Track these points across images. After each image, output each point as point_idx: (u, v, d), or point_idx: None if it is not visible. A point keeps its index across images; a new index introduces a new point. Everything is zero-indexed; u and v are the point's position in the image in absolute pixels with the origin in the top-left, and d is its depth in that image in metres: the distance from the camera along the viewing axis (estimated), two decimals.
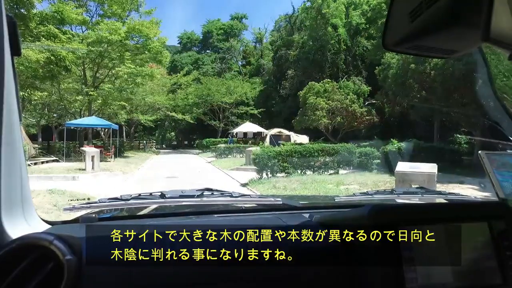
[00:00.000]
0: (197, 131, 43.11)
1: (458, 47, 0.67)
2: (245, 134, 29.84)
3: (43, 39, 13.20)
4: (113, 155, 17.39)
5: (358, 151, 11.66)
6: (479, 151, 1.39)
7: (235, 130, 29.82)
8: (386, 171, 11.81)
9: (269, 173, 10.74)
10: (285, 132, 29.43)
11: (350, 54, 33.48)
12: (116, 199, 1.44)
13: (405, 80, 14.52)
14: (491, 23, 0.48)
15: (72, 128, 17.35)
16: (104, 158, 16.82)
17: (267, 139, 28.44)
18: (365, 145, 13.33)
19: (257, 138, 29.70)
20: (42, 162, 14.44)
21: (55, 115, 24.88)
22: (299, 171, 11.07)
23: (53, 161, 15.56)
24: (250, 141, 28.39)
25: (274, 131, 29.36)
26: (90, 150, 12.48)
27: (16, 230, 0.90)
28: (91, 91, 18.14)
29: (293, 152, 10.70)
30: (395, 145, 12.14)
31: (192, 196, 1.49)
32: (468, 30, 0.58)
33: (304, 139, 28.75)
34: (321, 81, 24.24)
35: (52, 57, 12.88)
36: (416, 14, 0.63)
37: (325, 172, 11.29)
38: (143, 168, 16.26)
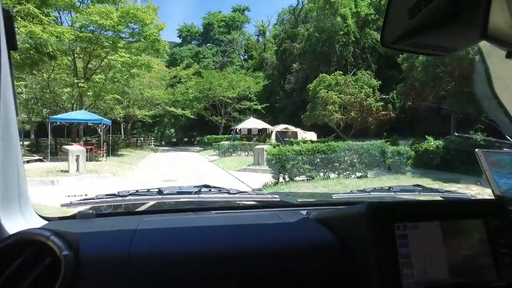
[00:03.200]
0: (197, 128, 41.48)
1: (456, 44, 0.67)
2: (249, 130, 27.99)
3: (20, 20, 11.33)
4: (105, 154, 15.56)
5: (390, 150, 9.86)
6: (476, 149, 1.39)
7: (239, 126, 27.95)
8: (423, 174, 10.05)
9: (286, 176, 8.96)
10: (292, 128, 27.65)
11: (359, 46, 31.67)
12: (113, 195, 1.44)
13: (436, 69, 12.73)
14: (489, 21, 0.48)
15: (58, 123, 15.52)
16: (95, 157, 15.05)
17: (273, 135, 26.69)
18: (382, 142, 11.56)
19: (262, 134, 27.88)
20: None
21: (46, 110, 22.96)
22: (321, 174, 9.30)
23: (36, 160, 13.79)
24: (254, 138, 26.57)
25: (280, 127, 27.56)
26: (74, 149, 10.69)
27: (13, 225, 0.90)
28: (81, 82, 16.31)
29: (316, 151, 8.91)
30: (432, 143, 10.36)
31: (190, 193, 1.49)
32: (466, 28, 0.57)
33: (311, 135, 27.06)
34: (333, 73, 22.36)
35: (30, 40, 11.01)
36: (415, 12, 0.61)
37: (352, 175, 9.51)
38: (138, 168, 14.48)
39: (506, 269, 0.91)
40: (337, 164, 9.41)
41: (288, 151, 8.71)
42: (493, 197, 1.33)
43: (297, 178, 9.05)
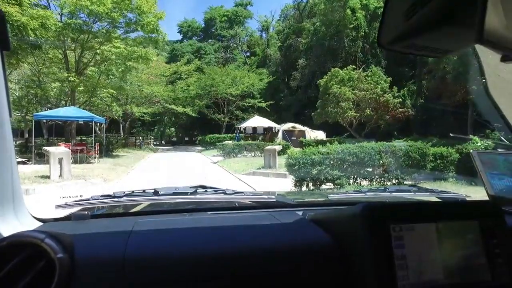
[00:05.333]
0: (198, 127, 39.99)
1: (451, 46, 0.67)
2: (254, 129, 26.34)
3: None
4: (97, 155, 13.96)
5: (432, 152, 8.29)
6: (471, 150, 1.46)
7: (243, 125, 26.31)
8: (471, 182, 8.45)
9: (310, 184, 7.39)
10: (299, 127, 26.12)
11: (368, 41, 30.19)
12: (108, 196, 1.44)
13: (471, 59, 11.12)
14: (484, 25, 0.48)
15: (48, 121, 13.89)
16: (86, 159, 13.49)
17: (279, 134, 25.14)
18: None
19: (267, 133, 26.28)
20: None
21: (41, 108, 21.32)
22: (351, 181, 7.73)
23: (19, 163, 12.20)
24: (260, 138, 24.96)
25: (287, 126, 26.02)
26: (56, 151, 9.10)
27: (7, 227, 0.89)
28: (72, 76, 14.73)
29: (346, 155, 7.33)
30: (479, 143, 8.77)
31: (186, 193, 1.48)
32: (461, 30, 0.57)
33: (320, 135, 25.57)
34: (345, 68, 20.72)
35: None
36: (411, 13, 0.62)
37: (387, 182, 7.93)
38: (134, 171, 12.89)
39: (500, 269, 0.91)
40: (370, 169, 7.83)
41: (314, 154, 7.13)
42: (488, 198, 1.37)
43: (323, 186, 7.48)
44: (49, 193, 7.56)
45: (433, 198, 1.66)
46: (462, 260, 0.90)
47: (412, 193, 1.67)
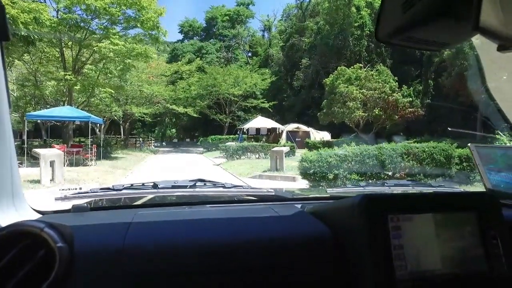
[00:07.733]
0: (199, 127, 39.39)
1: (449, 39, 0.67)
2: (257, 130, 25.68)
3: None
4: (94, 157, 13.25)
5: (457, 153, 7.58)
6: (469, 144, 1.44)
7: (246, 126, 25.63)
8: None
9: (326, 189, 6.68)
10: (303, 127, 25.48)
11: (373, 40, 29.58)
12: (108, 189, 1.45)
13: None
14: (481, 14, 0.49)
15: (42, 122, 13.22)
16: (83, 161, 12.80)
17: (284, 135, 24.48)
18: (447, 144, 9.28)
19: (271, 134, 25.60)
20: None
21: (40, 108, 20.67)
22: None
23: None
24: (263, 139, 24.27)
25: (291, 127, 25.36)
26: (47, 153, 8.40)
27: (6, 219, 0.88)
28: (68, 75, 14.06)
29: (366, 157, 6.62)
30: (506, 142, 8.06)
31: (185, 187, 1.51)
32: (459, 22, 0.58)
33: (325, 135, 24.92)
34: (352, 66, 20.03)
35: None
36: (409, 5, 0.61)
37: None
38: (133, 175, 12.19)
39: (497, 260, 0.91)
40: (390, 173, 7.12)
41: (330, 157, 6.43)
42: (485, 190, 1.38)
43: None
44: (38, 200, 6.87)
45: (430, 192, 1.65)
46: (459, 250, 0.90)
47: (410, 187, 1.69)
